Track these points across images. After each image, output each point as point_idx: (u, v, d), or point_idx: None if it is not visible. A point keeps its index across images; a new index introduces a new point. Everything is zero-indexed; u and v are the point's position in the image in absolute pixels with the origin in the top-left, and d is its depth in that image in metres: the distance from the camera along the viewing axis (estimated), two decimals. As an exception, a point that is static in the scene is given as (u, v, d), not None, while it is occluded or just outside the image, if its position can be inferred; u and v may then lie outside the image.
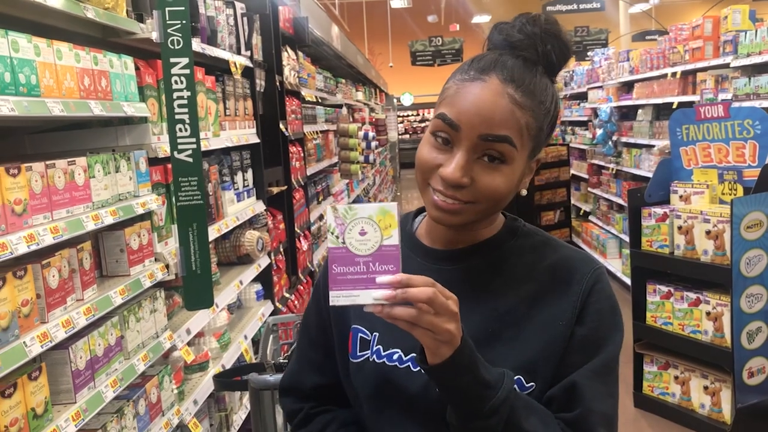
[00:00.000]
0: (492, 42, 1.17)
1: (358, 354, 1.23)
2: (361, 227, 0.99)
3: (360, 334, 1.23)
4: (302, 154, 5.22)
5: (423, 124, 24.59)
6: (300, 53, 5.70)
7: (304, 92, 5.56)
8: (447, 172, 1.09)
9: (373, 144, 9.31)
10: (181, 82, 2.48)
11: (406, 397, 1.17)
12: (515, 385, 1.10)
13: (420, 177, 1.15)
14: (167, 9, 2.43)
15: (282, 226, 4.52)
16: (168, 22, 2.44)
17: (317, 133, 6.15)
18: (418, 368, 1.16)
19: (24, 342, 1.72)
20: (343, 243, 0.99)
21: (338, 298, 0.98)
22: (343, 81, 8.91)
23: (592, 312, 1.15)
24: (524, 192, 1.20)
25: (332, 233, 0.99)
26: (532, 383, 1.13)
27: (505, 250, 1.22)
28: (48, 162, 1.92)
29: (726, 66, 5.36)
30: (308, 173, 5.48)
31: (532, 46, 1.12)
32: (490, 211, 1.16)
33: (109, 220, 2.16)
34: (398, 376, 1.17)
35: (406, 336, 1.17)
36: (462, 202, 1.11)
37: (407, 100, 23.33)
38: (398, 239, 0.99)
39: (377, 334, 1.21)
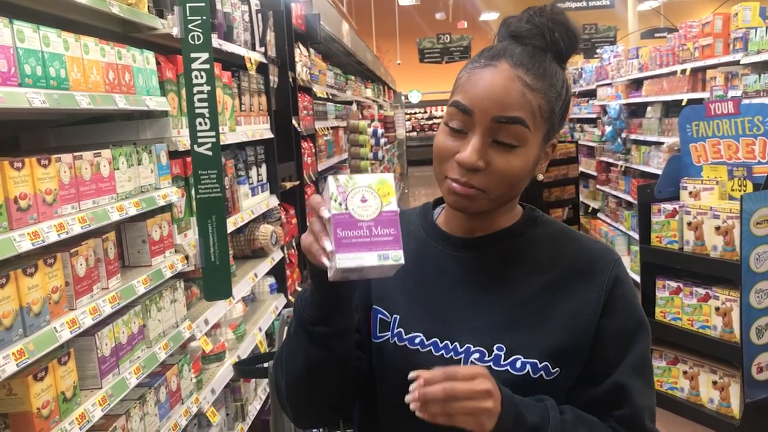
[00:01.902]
0: (501, 35, 1.21)
1: (379, 335, 1.24)
2: (362, 195, 1.03)
3: (380, 315, 1.25)
4: (314, 150, 5.28)
5: (431, 122, 24.60)
6: (311, 50, 5.75)
7: (315, 88, 5.61)
8: (463, 156, 1.12)
9: (382, 141, 9.35)
10: (201, 77, 2.53)
11: None
12: (543, 373, 1.14)
13: (437, 168, 1.18)
14: (188, 5, 2.48)
15: (294, 220, 4.57)
16: (188, 18, 2.49)
17: (328, 129, 6.21)
18: (440, 353, 1.18)
19: (54, 327, 1.77)
20: (346, 209, 1.02)
21: (344, 260, 1.00)
22: (353, 78, 8.96)
23: (621, 305, 1.18)
24: (541, 176, 1.23)
25: (335, 200, 1.02)
26: (558, 369, 1.16)
27: (525, 239, 1.24)
28: (76, 154, 1.97)
29: (736, 63, 5.38)
30: (319, 169, 5.53)
31: (540, 34, 1.15)
32: (506, 197, 1.18)
33: (132, 211, 2.21)
34: (421, 360, 1.19)
35: (426, 319, 1.21)
36: (477, 189, 1.13)
37: (415, 97, 23.35)
38: (396, 206, 1.04)
39: (397, 316, 1.23)
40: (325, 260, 1.03)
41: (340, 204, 1.02)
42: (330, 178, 1.04)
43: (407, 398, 1.02)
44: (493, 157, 1.12)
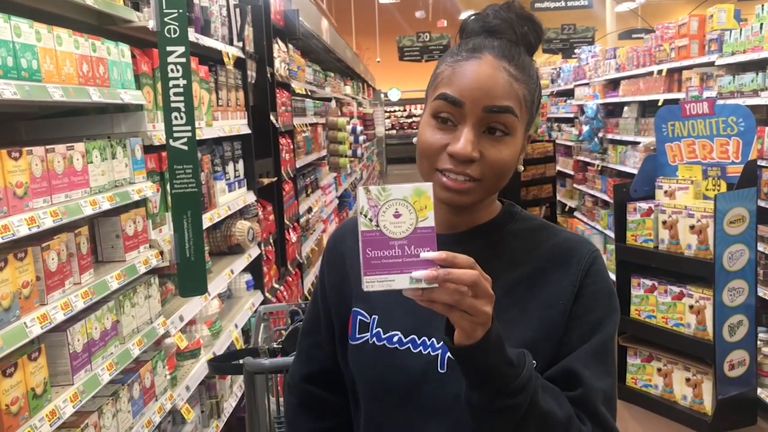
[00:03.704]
0: (468, 31, 1.21)
1: (357, 336, 1.24)
2: (395, 209, 0.95)
3: (359, 317, 1.25)
4: (292, 147, 5.25)
5: (410, 120, 24.61)
6: (290, 46, 5.72)
7: (294, 84, 5.58)
8: (458, 148, 1.11)
9: (361, 138, 9.32)
10: (177, 71, 2.50)
11: (406, 378, 1.18)
12: None
13: (425, 163, 1.16)
14: (164, -2, 2.45)
15: (272, 217, 4.55)
16: (165, 10, 2.46)
17: (306, 125, 6.18)
18: (418, 350, 1.18)
19: (24, 323, 1.74)
20: (377, 226, 0.94)
21: (372, 283, 0.94)
22: (332, 75, 8.93)
23: (588, 293, 1.18)
24: (521, 168, 1.23)
25: (365, 216, 0.95)
26: (534, 361, 1.14)
27: (505, 233, 1.25)
28: (48, 147, 1.94)
29: (711, 64, 5.44)
30: (297, 165, 5.50)
31: (510, 29, 1.17)
32: (495, 188, 1.18)
33: (106, 206, 2.18)
34: (398, 358, 1.19)
35: (405, 318, 1.21)
36: (471, 179, 1.13)
37: (394, 95, 23.34)
38: (433, 221, 0.96)
39: (376, 316, 1.23)
40: None
41: (371, 220, 0.95)
42: (360, 189, 0.95)
43: (416, 274, 0.93)
44: (485, 147, 1.13)
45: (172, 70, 2.50)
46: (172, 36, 2.48)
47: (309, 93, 6.64)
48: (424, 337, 1.19)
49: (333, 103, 8.01)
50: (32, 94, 1.80)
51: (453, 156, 1.13)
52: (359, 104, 12.38)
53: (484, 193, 1.17)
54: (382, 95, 22.11)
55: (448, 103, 1.13)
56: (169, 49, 2.49)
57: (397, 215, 0.95)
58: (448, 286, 0.94)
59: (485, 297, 0.97)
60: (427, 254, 0.94)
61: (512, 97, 1.13)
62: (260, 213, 4.18)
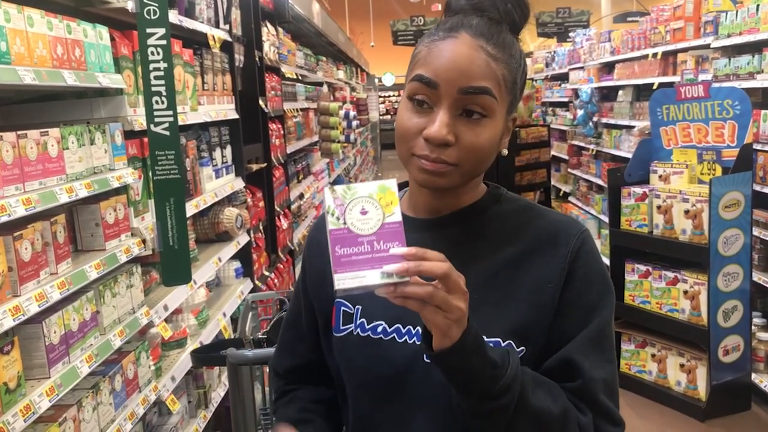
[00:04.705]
0: (452, 8, 1.17)
1: (342, 328, 1.22)
2: (361, 206, 0.96)
3: (343, 308, 1.22)
4: (282, 132, 5.17)
5: (404, 105, 24.42)
6: (280, 29, 5.63)
7: (284, 69, 5.49)
8: (432, 131, 1.07)
9: (354, 123, 9.25)
10: (158, 54, 2.42)
11: (392, 369, 1.16)
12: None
13: (403, 148, 1.13)
14: (143, -22, 2.37)
15: (261, 204, 4.48)
16: (144, -9, 2.38)
17: (297, 110, 6.09)
18: (403, 339, 1.16)
19: (-5, 315, 1.68)
20: (344, 223, 0.95)
21: (344, 280, 0.94)
22: (324, 59, 8.83)
23: (580, 276, 1.13)
24: (505, 152, 1.19)
25: (332, 215, 0.96)
26: (523, 347, 1.11)
27: (489, 215, 1.20)
28: (20, 132, 1.87)
29: (706, 47, 5.37)
30: (288, 151, 5.43)
31: (493, 6, 1.13)
32: (476, 171, 1.14)
33: (83, 193, 2.11)
34: (384, 349, 1.16)
35: (389, 308, 1.15)
36: (447, 163, 1.09)
37: (389, 80, 23.22)
38: (400, 216, 0.97)
39: (360, 307, 1.20)
40: None
41: (338, 218, 0.96)
42: (326, 190, 0.97)
43: (387, 268, 0.92)
44: (462, 130, 1.08)
45: (152, 53, 2.43)
46: (152, 17, 2.40)
47: (300, 77, 6.55)
48: (409, 326, 1.16)
49: (325, 88, 7.93)
50: (1, 77, 1.73)
51: (428, 140, 1.08)
52: (353, 89, 12.29)
53: (462, 178, 1.12)
54: (376, 80, 21.98)
55: (423, 85, 1.09)
56: (149, 31, 2.41)
57: (363, 212, 0.96)
58: (419, 279, 0.93)
59: (458, 292, 0.95)
60: (396, 250, 0.95)
61: (490, 77, 1.08)
62: (249, 199, 4.11)
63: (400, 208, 1.25)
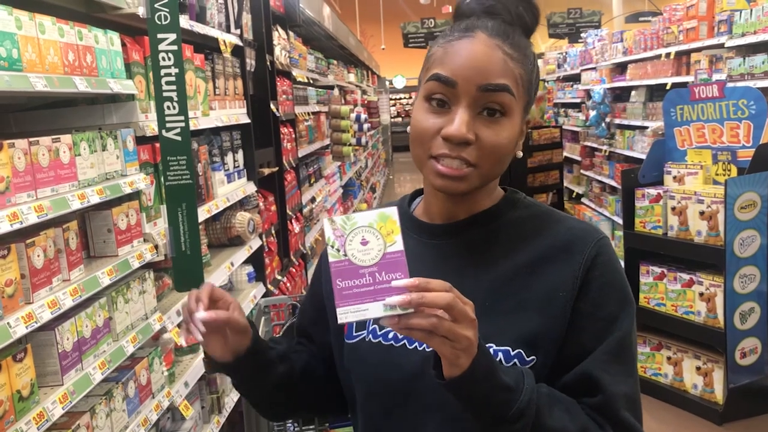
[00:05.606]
0: (463, 12, 1.17)
1: (354, 334, 1.21)
2: (361, 237, 0.94)
3: None
4: (294, 136, 5.17)
5: (415, 107, 24.43)
6: (291, 33, 5.63)
7: (295, 72, 5.50)
8: (452, 130, 1.06)
9: (366, 126, 9.23)
10: (169, 59, 2.42)
11: (403, 374, 1.14)
12: (517, 361, 1.07)
13: (419, 149, 1.11)
14: (154, -17, 2.37)
15: (273, 208, 4.48)
16: (155, -4, 2.38)
17: (309, 114, 6.09)
18: (414, 345, 1.14)
19: (8, 323, 1.67)
20: (345, 255, 0.94)
21: (346, 314, 0.92)
22: (335, 62, 8.83)
23: (596, 287, 1.11)
24: (519, 154, 1.17)
25: (332, 246, 0.94)
26: (533, 357, 1.09)
27: (506, 220, 1.18)
28: (32, 139, 1.87)
29: (720, 46, 5.32)
30: (300, 155, 5.43)
31: (505, 9, 1.13)
32: (492, 173, 1.12)
33: (95, 199, 2.11)
34: (394, 354, 1.15)
35: None
36: (467, 163, 1.08)
37: (400, 82, 23.23)
38: (402, 245, 0.94)
39: None
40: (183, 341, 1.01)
41: (338, 250, 0.94)
42: (325, 221, 0.95)
43: (389, 300, 0.90)
44: (481, 129, 1.07)
45: (163, 59, 2.43)
46: (163, 23, 2.40)
47: (311, 81, 6.55)
48: None
49: (336, 91, 7.93)
50: (12, 84, 1.73)
51: (447, 139, 1.07)
52: (363, 92, 12.29)
53: (481, 180, 1.11)
54: (387, 83, 22.00)
55: (441, 84, 1.08)
56: (159, 36, 2.41)
57: (364, 242, 0.94)
58: (423, 310, 0.90)
59: (465, 321, 0.92)
60: (398, 282, 0.92)
61: (508, 75, 1.08)
62: (261, 204, 4.11)
63: (416, 213, 1.25)
